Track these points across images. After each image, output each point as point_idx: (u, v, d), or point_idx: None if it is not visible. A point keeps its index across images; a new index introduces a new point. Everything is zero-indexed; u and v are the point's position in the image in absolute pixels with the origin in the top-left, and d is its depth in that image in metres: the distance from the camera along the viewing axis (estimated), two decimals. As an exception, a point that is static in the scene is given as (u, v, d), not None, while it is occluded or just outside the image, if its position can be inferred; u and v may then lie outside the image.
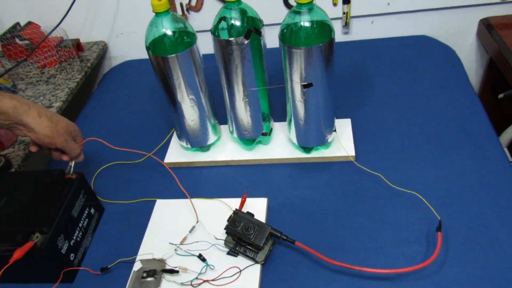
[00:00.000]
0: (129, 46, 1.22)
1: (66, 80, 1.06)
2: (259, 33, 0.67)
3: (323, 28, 0.65)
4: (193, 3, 1.09)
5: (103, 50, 1.21)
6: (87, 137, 0.79)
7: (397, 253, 0.62)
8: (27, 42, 1.09)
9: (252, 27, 0.66)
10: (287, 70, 0.69)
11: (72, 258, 0.66)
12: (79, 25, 1.19)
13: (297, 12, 0.64)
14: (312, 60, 0.65)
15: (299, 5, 0.63)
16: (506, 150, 1.02)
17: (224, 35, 0.68)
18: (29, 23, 1.11)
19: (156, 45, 0.70)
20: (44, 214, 0.63)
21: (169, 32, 0.69)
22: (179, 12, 1.11)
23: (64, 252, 0.64)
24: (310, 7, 0.64)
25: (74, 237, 0.67)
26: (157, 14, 0.68)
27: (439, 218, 0.63)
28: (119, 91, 1.12)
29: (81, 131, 0.75)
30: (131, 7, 1.13)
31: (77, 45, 1.16)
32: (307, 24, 0.64)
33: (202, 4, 1.09)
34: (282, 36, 0.66)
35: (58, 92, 1.02)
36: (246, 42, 0.66)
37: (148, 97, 1.05)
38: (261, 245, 0.61)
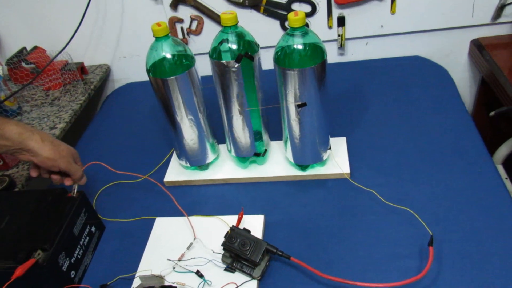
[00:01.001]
0: (131, 68, 1.26)
1: (70, 102, 1.09)
2: (251, 58, 0.70)
3: (315, 50, 0.68)
4: (194, 27, 1.13)
5: (106, 73, 1.24)
6: (90, 157, 0.81)
7: (391, 268, 0.63)
8: (33, 66, 1.13)
9: (244, 51, 0.69)
10: (281, 91, 0.71)
11: (72, 276, 0.68)
12: (83, 49, 1.23)
13: (291, 35, 0.67)
14: (305, 81, 0.68)
15: (293, 29, 0.67)
16: (501, 166, 1.03)
17: (226, 57, 0.71)
18: (35, 47, 1.15)
19: (156, 68, 0.73)
20: (46, 232, 0.65)
21: (168, 56, 0.72)
22: (180, 36, 1.15)
23: (65, 270, 0.66)
24: (303, 30, 0.67)
25: (75, 255, 0.69)
26: (157, 38, 0.71)
27: (431, 233, 0.64)
28: (122, 112, 1.15)
29: (85, 151, 0.78)
30: (134, 31, 1.18)
31: (81, 68, 1.20)
32: (300, 46, 0.67)
33: (202, 28, 1.13)
34: (277, 58, 0.69)
35: (62, 114, 1.05)
36: (237, 65, 0.69)
37: (150, 118, 1.08)
38: (257, 261, 0.63)
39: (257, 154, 0.82)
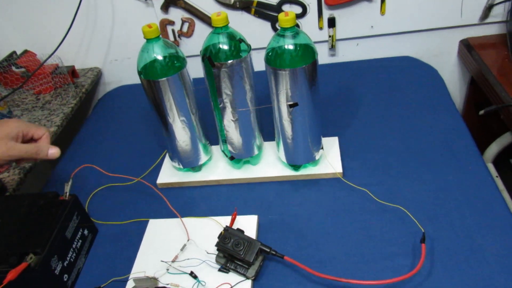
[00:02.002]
0: (123, 71, 1.26)
1: (61, 106, 1.09)
2: (212, 64, 0.70)
3: (306, 50, 0.68)
4: (185, 29, 1.13)
5: (97, 76, 1.24)
6: (82, 160, 0.81)
7: (384, 266, 0.63)
8: (23, 69, 1.12)
9: (209, 54, 0.70)
10: (273, 91, 0.71)
11: (65, 279, 0.67)
12: (74, 52, 1.22)
13: (281, 36, 0.68)
14: (296, 80, 0.68)
15: (283, 29, 0.67)
16: (491, 165, 1.05)
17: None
18: (25, 51, 1.14)
19: (148, 70, 0.73)
20: (38, 235, 0.65)
21: (159, 57, 0.72)
22: (171, 38, 1.15)
23: (57, 273, 0.65)
24: (294, 31, 0.67)
25: (68, 258, 0.68)
26: (148, 40, 0.71)
27: (423, 230, 0.65)
28: (114, 115, 1.15)
29: (77, 154, 0.77)
30: (125, 34, 1.17)
31: (72, 72, 1.19)
32: (291, 47, 0.68)
33: (193, 30, 1.13)
34: (268, 59, 0.70)
35: (53, 117, 1.04)
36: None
37: (142, 120, 1.08)
38: (251, 260, 0.63)
39: (226, 154, 0.82)
